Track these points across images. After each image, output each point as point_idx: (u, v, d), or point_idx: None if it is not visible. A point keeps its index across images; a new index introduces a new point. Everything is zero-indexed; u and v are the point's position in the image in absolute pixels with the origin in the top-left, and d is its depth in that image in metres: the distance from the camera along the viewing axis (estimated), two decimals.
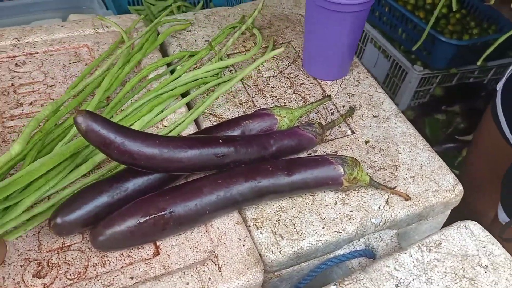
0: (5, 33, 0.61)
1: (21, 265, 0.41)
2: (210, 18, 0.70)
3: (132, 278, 0.41)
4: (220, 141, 0.45)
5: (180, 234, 0.45)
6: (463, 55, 1.19)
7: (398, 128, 0.56)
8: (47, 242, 0.43)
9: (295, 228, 0.46)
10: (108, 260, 0.43)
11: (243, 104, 0.58)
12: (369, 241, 0.49)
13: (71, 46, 0.62)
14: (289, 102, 0.58)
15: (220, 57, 0.61)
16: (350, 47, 0.57)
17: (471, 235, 0.44)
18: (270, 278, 0.47)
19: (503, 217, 0.62)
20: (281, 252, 0.45)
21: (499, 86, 0.68)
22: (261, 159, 0.48)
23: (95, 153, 0.49)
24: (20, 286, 0.40)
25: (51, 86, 0.57)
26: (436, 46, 1.18)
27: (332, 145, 0.54)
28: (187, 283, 0.41)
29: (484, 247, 0.43)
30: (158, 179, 0.46)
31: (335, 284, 0.40)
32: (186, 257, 0.43)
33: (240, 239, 0.45)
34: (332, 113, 0.57)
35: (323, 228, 0.46)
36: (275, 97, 0.59)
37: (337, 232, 0.46)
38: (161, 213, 0.42)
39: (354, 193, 0.49)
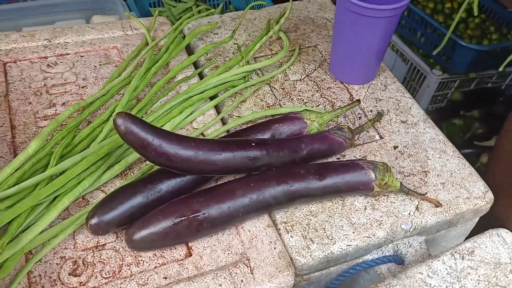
0: (37, 34, 0.63)
1: (57, 263, 0.42)
2: (236, 21, 0.70)
3: (165, 278, 0.42)
4: (253, 144, 0.46)
5: (212, 236, 0.45)
6: (482, 60, 1.18)
7: (427, 134, 0.56)
8: (82, 241, 0.44)
9: (325, 232, 0.46)
10: (141, 260, 0.43)
11: (271, 107, 0.58)
12: (397, 246, 0.49)
13: (101, 48, 0.63)
14: (317, 106, 0.59)
15: (247, 61, 0.61)
16: (379, 52, 0.57)
17: (504, 243, 0.44)
18: (299, 281, 0.48)
19: None
20: (311, 256, 0.45)
21: None
22: (292, 163, 0.48)
23: (127, 154, 0.50)
24: (56, 284, 0.41)
25: (82, 87, 0.58)
26: (456, 50, 1.18)
27: (360, 149, 0.54)
28: (220, 285, 0.42)
29: None
30: (191, 181, 0.46)
31: None
32: (218, 259, 0.44)
33: (271, 242, 0.45)
34: (359, 118, 0.58)
35: (353, 233, 0.47)
36: (302, 100, 0.59)
37: (367, 237, 0.46)
38: (195, 215, 0.42)
39: (384, 199, 0.49)
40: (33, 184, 0.45)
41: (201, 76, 0.62)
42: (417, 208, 0.49)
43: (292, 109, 0.56)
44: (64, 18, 0.96)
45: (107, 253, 0.43)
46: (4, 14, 0.94)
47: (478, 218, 0.54)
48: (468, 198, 0.50)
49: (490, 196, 0.51)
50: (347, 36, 0.55)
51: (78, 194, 0.45)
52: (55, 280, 0.41)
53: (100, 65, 0.61)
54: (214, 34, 0.68)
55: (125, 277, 0.42)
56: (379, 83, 0.62)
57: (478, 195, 0.50)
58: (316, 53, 0.66)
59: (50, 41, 0.62)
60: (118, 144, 0.49)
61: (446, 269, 0.42)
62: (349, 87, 0.61)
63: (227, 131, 0.55)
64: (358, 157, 0.53)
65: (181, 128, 0.54)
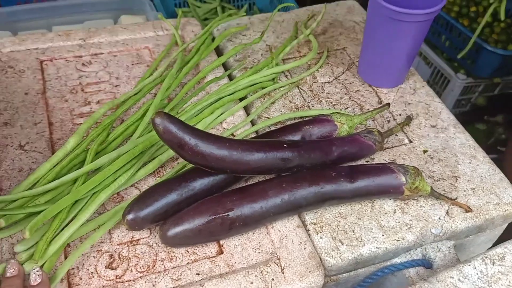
0: (72, 34, 0.64)
1: (94, 256, 0.44)
2: (264, 23, 0.71)
3: (198, 274, 0.43)
4: (285, 145, 0.47)
5: (243, 235, 0.46)
6: (507, 64, 1.16)
7: (457, 139, 0.56)
8: (118, 236, 0.45)
9: (354, 234, 0.47)
10: (174, 256, 0.44)
11: (299, 109, 0.59)
12: (426, 250, 0.49)
13: (133, 48, 0.65)
14: (345, 109, 0.59)
15: (276, 63, 0.62)
16: (410, 56, 0.57)
17: None
18: (327, 282, 0.48)
19: None
20: (341, 257, 0.45)
21: None
22: (323, 165, 0.49)
23: (160, 152, 0.51)
24: (93, 276, 0.42)
25: (116, 86, 0.59)
26: (481, 54, 1.16)
27: (389, 153, 0.54)
28: (251, 283, 0.42)
29: None
30: (223, 180, 0.47)
31: None
32: (249, 257, 0.45)
33: (301, 243, 0.46)
34: (388, 121, 0.58)
35: (383, 235, 0.47)
36: (331, 103, 0.60)
37: (397, 240, 0.47)
38: (228, 213, 0.43)
39: (413, 202, 0.49)
40: (71, 179, 0.47)
41: (230, 77, 0.63)
42: (447, 212, 0.49)
43: (321, 111, 0.56)
44: (92, 18, 0.98)
45: (141, 248, 0.45)
46: (35, 13, 0.96)
47: (507, 224, 0.54)
48: (498, 204, 0.50)
49: None
50: (378, 39, 0.56)
51: (114, 190, 0.46)
52: (92, 272, 0.42)
53: (132, 64, 0.63)
54: (243, 35, 0.69)
55: (159, 272, 0.43)
56: (408, 87, 0.62)
57: (508, 201, 0.50)
58: (344, 56, 0.66)
59: (84, 41, 0.64)
60: (152, 143, 0.50)
61: (477, 274, 0.42)
62: (377, 90, 0.61)
63: (256, 131, 0.56)
64: (387, 161, 0.53)
65: (212, 128, 0.56)
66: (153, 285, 0.42)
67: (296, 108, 0.59)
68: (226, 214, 0.43)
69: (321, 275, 0.44)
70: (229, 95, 0.58)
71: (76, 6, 0.99)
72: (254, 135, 0.55)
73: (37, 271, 0.39)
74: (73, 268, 0.43)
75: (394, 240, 0.47)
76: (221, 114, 0.57)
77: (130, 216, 0.43)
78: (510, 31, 1.24)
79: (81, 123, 0.54)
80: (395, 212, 0.49)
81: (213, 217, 0.43)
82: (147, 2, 0.98)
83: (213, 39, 0.67)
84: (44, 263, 0.41)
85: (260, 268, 0.44)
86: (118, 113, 0.55)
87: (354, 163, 0.52)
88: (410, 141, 0.55)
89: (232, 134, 0.55)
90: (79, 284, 0.41)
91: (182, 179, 0.46)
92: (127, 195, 0.48)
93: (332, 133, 0.52)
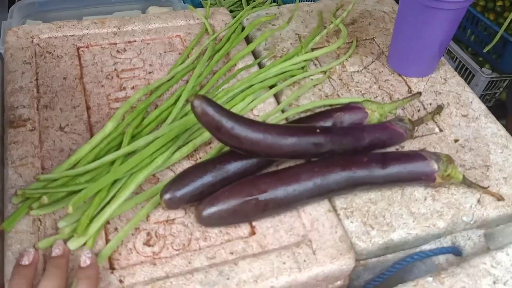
0: (107, 21, 0.66)
1: (132, 234, 0.45)
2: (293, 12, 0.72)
3: (232, 253, 0.44)
4: (318, 131, 0.47)
5: (274, 217, 0.47)
6: None
7: (488, 129, 0.55)
8: (154, 215, 0.47)
9: (385, 219, 0.47)
10: (208, 236, 0.46)
11: (329, 97, 0.59)
12: (455, 238, 0.49)
13: (165, 36, 0.66)
14: (375, 98, 0.59)
15: (306, 52, 0.63)
16: (442, 45, 0.57)
17: None
18: (356, 266, 0.49)
19: None
20: (371, 241, 0.46)
21: None
22: (354, 151, 0.49)
23: (194, 137, 0.53)
24: (132, 252, 0.44)
25: (149, 73, 0.61)
26: (507, 49, 1.15)
27: (419, 141, 0.54)
28: (284, 263, 0.44)
29: None
30: (255, 164, 0.48)
31: (431, 276, 0.41)
32: (281, 239, 0.46)
33: (332, 226, 0.47)
34: (418, 110, 0.58)
35: (413, 222, 0.47)
36: (360, 92, 0.60)
37: (427, 227, 0.47)
38: (262, 195, 0.44)
39: (444, 190, 0.50)
40: (109, 161, 0.48)
41: (259, 65, 0.64)
42: (478, 201, 0.49)
43: (351, 99, 0.57)
44: (121, 9, 1.00)
45: (177, 227, 0.46)
46: (65, 3, 0.99)
47: None
48: None
49: None
50: (411, 28, 0.56)
51: (151, 171, 0.48)
52: (131, 248, 0.44)
53: (165, 52, 0.64)
54: (272, 25, 0.70)
55: (194, 250, 0.44)
56: (438, 77, 0.62)
57: None
58: (374, 46, 0.67)
59: (119, 29, 0.65)
60: (186, 127, 0.52)
61: (510, 261, 0.42)
62: (407, 80, 0.62)
63: (286, 118, 0.57)
64: (418, 149, 0.53)
65: (243, 115, 0.57)
66: (189, 262, 0.43)
67: (326, 96, 0.59)
68: (260, 195, 0.44)
69: (352, 258, 0.45)
70: (259, 82, 0.59)
71: None
72: (284, 122, 0.56)
73: (87, 253, 0.41)
74: None
75: (425, 226, 0.47)
76: (252, 101, 0.58)
77: (167, 196, 0.44)
78: None
79: (117, 108, 0.56)
80: (425, 199, 0.49)
81: (248, 198, 0.44)
82: None
83: (243, 29, 0.68)
84: (87, 240, 0.43)
85: (292, 249, 0.45)
86: (152, 99, 0.56)
87: (384, 151, 0.52)
88: (441, 130, 0.56)
89: (263, 121, 0.56)
90: (118, 260, 0.43)
91: (217, 161, 0.47)
92: (162, 177, 0.50)
93: (363, 121, 0.52)
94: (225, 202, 0.44)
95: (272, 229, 0.46)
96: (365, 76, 0.62)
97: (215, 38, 0.65)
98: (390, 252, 0.48)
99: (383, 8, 0.73)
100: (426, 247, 0.49)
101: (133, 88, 0.59)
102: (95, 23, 0.66)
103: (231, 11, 1.13)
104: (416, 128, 0.55)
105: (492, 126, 0.56)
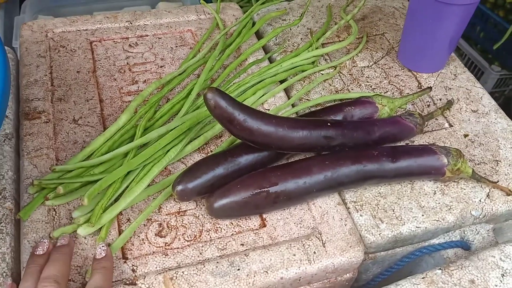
0: (119, 16, 0.67)
1: (144, 225, 0.46)
2: (303, 8, 0.72)
3: (242, 245, 0.45)
4: (329, 124, 0.48)
5: (284, 210, 0.48)
6: None
7: (498, 124, 0.55)
8: (166, 206, 0.47)
9: (394, 213, 0.48)
10: (219, 227, 0.46)
11: (339, 92, 0.60)
12: (464, 233, 0.50)
13: (176, 31, 0.67)
14: (385, 93, 0.60)
15: (316, 47, 0.63)
16: (454, 41, 0.57)
17: None
18: (364, 260, 0.49)
19: None
20: (380, 234, 0.46)
21: None
22: (364, 145, 0.50)
23: (205, 130, 0.53)
24: (144, 243, 0.45)
25: (161, 67, 0.61)
26: None
27: (429, 136, 0.54)
28: (294, 255, 0.44)
29: None
30: (266, 157, 0.49)
31: (440, 269, 0.42)
32: (291, 231, 0.46)
33: (341, 219, 0.47)
34: (428, 106, 0.58)
35: (423, 215, 0.48)
36: (370, 86, 0.60)
37: (436, 220, 0.47)
38: (273, 187, 0.45)
39: (454, 185, 0.50)
40: (123, 153, 0.49)
41: (270, 60, 0.65)
42: (488, 195, 0.49)
43: (361, 94, 0.57)
44: (131, 4, 1.01)
45: (188, 219, 0.47)
46: None
47: None
48: None
49: None
50: (422, 23, 0.56)
51: (165, 164, 0.48)
52: (143, 239, 0.45)
53: (176, 46, 0.65)
54: (282, 20, 0.70)
55: (205, 241, 0.45)
56: (448, 72, 0.62)
57: None
58: (384, 41, 0.67)
59: (131, 23, 0.66)
60: (199, 120, 0.52)
61: None
62: (417, 75, 0.62)
63: (296, 113, 0.57)
64: (428, 143, 0.53)
65: None
66: (200, 253, 0.44)
67: (336, 91, 0.60)
68: (271, 188, 0.45)
69: (362, 251, 0.45)
70: (270, 77, 0.59)
71: None
72: (295, 116, 0.56)
73: (102, 246, 0.42)
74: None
75: (434, 220, 0.47)
76: (263, 95, 0.58)
77: (179, 187, 0.45)
78: None
79: (130, 101, 0.56)
80: (435, 193, 0.49)
81: (259, 190, 0.45)
82: None
83: (253, 24, 0.69)
84: (100, 229, 0.44)
85: (302, 241, 0.45)
86: (164, 92, 0.57)
87: (394, 145, 0.52)
88: (451, 125, 0.56)
89: (275, 115, 0.56)
90: (131, 250, 0.44)
91: (228, 154, 0.47)
92: (174, 169, 0.51)
93: (373, 115, 0.53)
94: (236, 194, 0.45)
95: (282, 221, 0.47)
96: (375, 71, 0.63)
97: (226, 33, 0.65)
98: (399, 246, 0.49)
99: (393, 3, 0.73)
100: (434, 241, 0.50)
101: (145, 81, 0.59)
102: (108, 17, 0.66)
103: (241, 7, 1.13)
104: (426, 123, 0.55)
105: (502, 122, 0.56)
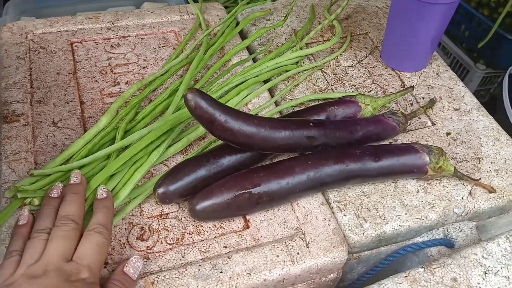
0: (101, 16, 0.66)
1: (125, 228, 0.45)
2: (288, 8, 0.72)
3: (225, 247, 0.44)
4: (311, 124, 0.48)
5: (268, 210, 0.47)
6: None
7: (480, 122, 0.56)
8: (148, 209, 0.47)
9: (377, 212, 0.48)
10: (202, 230, 0.46)
11: (323, 91, 0.60)
12: (448, 231, 0.50)
13: (160, 31, 0.66)
14: (368, 92, 0.60)
15: (300, 47, 0.63)
16: (435, 40, 0.57)
17: None
18: (349, 259, 0.49)
19: None
20: (364, 234, 0.46)
21: None
22: (347, 144, 0.50)
23: (189, 132, 0.53)
24: (125, 247, 0.44)
25: (143, 68, 0.61)
26: (502, 45, 1.15)
27: (412, 135, 0.55)
28: (277, 256, 0.44)
29: None
30: (249, 158, 0.48)
31: (422, 267, 0.42)
32: (275, 232, 0.46)
33: (325, 219, 0.47)
34: (411, 104, 0.58)
35: (406, 214, 0.48)
36: (354, 86, 0.60)
37: (419, 219, 0.47)
38: (256, 188, 0.45)
39: (436, 183, 0.50)
40: (103, 156, 0.48)
41: (254, 60, 0.64)
42: (470, 193, 0.49)
43: (344, 94, 0.57)
44: (116, 5, 1.00)
45: (170, 222, 0.46)
46: None
47: None
48: None
49: None
50: (404, 22, 0.56)
51: (148, 168, 0.48)
52: (124, 243, 0.44)
53: (159, 47, 0.64)
54: (266, 20, 0.70)
55: (188, 244, 0.44)
56: (431, 71, 0.62)
57: None
58: (367, 41, 0.67)
59: (113, 24, 0.65)
60: (180, 120, 0.52)
61: (501, 251, 0.42)
62: (400, 74, 0.62)
63: (280, 112, 0.57)
64: (410, 142, 0.54)
65: (238, 109, 0.57)
66: (183, 256, 0.43)
67: (320, 91, 0.60)
68: (253, 189, 0.45)
69: (345, 251, 0.45)
70: (253, 77, 0.59)
71: None
72: (279, 116, 0.56)
73: (103, 187, 0.44)
74: None
75: (417, 218, 0.47)
76: (247, 95, 0.58)
77: (161, 190, 0.45)
78: None
79: (111, 103, 0.56)
80: (418, 191, 0.49)
81: (241, 192, 0.44)
82: None
83: (237, 24, 0.68)
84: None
85: (285, 242, 0.45)
86: (145, 93, 0.56)
87: (377, 144, 0.52)
88: (433, 124, 0.56)
89: (256, 115, 0.56)
90: (111, 254, 0.43)
91: (211, 155, 0.47)
92: (156, 172, 0.50)
93: (356, 114, 0.53)
94: (219, 196, 0.44)
95: (266, 222, 0.47)
96: (359, 70, 0.63)
97: (210, 33, 0.65)
98: (383, 245, 0.49)
99: (377, 3, 0.73)
100: (418, 239, 0.50)
101: (127, 83, 0.59)
102: (89, 18, 0.65)
103: (226, 7, 1.13)
104: (409, 121, 0.55)
105: (484, 120, 0.56)
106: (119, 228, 0.45)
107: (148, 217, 0.46)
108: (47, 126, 0.52)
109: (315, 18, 0.70)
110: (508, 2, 1.19)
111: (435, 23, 0.54)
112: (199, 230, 0.46)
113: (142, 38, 0.65)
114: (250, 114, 0.46)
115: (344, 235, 0.46)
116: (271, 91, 0.61)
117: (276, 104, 0.58)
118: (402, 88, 0.60)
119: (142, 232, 0.45)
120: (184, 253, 0.44)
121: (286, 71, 0.61)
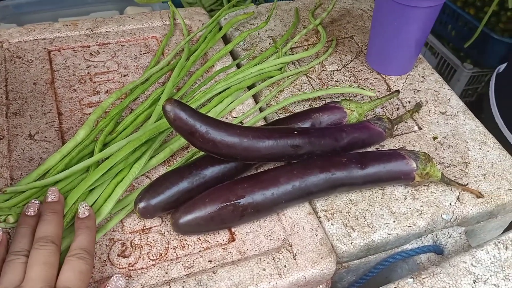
0: (79, 23, 0.64)
1: (106, 245, 0.44)
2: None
3: (210, 261, 0.43)
4: (295, 132, 0.46)
5: (254, 222, 0.46)
6: None
7: (466, 125, 0.55)
8: (130, 224, 0.45)
9: (365, 220, 0.47)
10: (186, 244, 0.44)
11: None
12: (437, 237, 0.49)
13: (141, 38, 0.64)
14: (354, 97, 0.59)
15: (284, 52, 0.62)
16: (419, 43, 0.57)
17: None
18: (338, 269, 0.48)
19: None
20: (352, 243, 0.45)
21: None
22: (333, 152, 0.49)
23: (171, 142, 0.51)
24: (106, 264, 0.42)
25: (124, 76, 0.59)
26: (488, 44, 1.16)
27: (399, 140, 0.54)
28: (264, 269, 0.43)
29: None
30: (233, 168, 0.47)
31: (412, 277, 0.41)
32: (261, 244, 0.45)
33: (312, 229, 0.46)
34: (397, 109, 0.57)
35: (394, 222, 0.47)
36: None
37: (408, 226, 0.47)
38: (240, 200, 0.43)
39: (424, 189, 0.49)
40: (80, 169, 0.47)
41: (238, 66, 0.63)
42: (458, 198, 0.48)
43: (326, 91, 0.56)
44: (98, 10, 0.98)
45: (153, 236, 0.45)
46: (41, 5, 0.96)
47: None
48: (510, 189, 0.50)
49: None
50: (387, 26, 0.55)
51: (130, 182, 0.46)
52: (105, 260, 0.43)
53: (140, 54, 0.62)
54: (250, 24, 0.68)
55: (171, 260, 0.43)
56: (417, 74, 0.62)
57: None
58: (353, 44, 0.66)
59: (92, 31, 0.64)
60: (160, 130, 0.50)
61: (490, 259, 0.42)
62: (386, 78, 0.61)
63: (264, 118, 0.56)
64: (397, 147, 0.53)
65: (222, 117, 0.55)
66: (166, 273, 0.42)
67: None
68: (237, 201, 0.43)
69: (333, 261, 0.44)
70: (236, 84, 0.57)
71: None
72: (263, 123, 0.55)
73: (85, 205, 0.42)
74: None
75: (405, 226, 0.47)
76: (231, 103, 0.56)
77: (141, 204, 0.43)
78: None
79: (90, 113, 0.54)
80: (405, 198, 0.49)
81: (225, 204, 0.43)
82: None
83: (220, 28, 0.67)
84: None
85: (272, 255, 0.44)
86: (126, 103, 0.54)
87: (364, 150, 0.51)
88: (420, 128, 0.55)
89: (241, 122, 0.55)
90: (92, 272, 0.42)
91: (193, 167, 0.46)
92: (138, 184, 0.48)
93: (342, 120, 0.52)
94: (202, 209, 0.43)
95: (252, 234, 0.45)
96: (344, 75, 0.62)
97: (192, 39, 0.63)
98: (371, 254, 0.48)
99: (361, 6, 0.72)
100: (407, 246, 0.49)
101: (107, 92, 0.57)
102: (67, 25, 0.64)
103: (211, 10, 1.12)
104: (395, 126, 0.55)
105: (470, 123, 0.56)
106: (100, 244, 0.44)
107: (130, 232, 0.45)
108: (23, 139, 0.50)
109: (300, 21, 0.69)
110: (493, 1, 1.20)
111: (419, 26, 0.54)
112: (183, 244, 0.44)
113: (123, 45, 0.63)
114: (232, 124, 0.44)
115: (332, 245, 0.45)
116: (255, 97, 0.59)
117: (261, 110, 0.57)
118: (388, 93, 0.59)
119: (124, 248, 0.44)
120: (168, 269, 0.42)
121: (271, 77, 0.60)
